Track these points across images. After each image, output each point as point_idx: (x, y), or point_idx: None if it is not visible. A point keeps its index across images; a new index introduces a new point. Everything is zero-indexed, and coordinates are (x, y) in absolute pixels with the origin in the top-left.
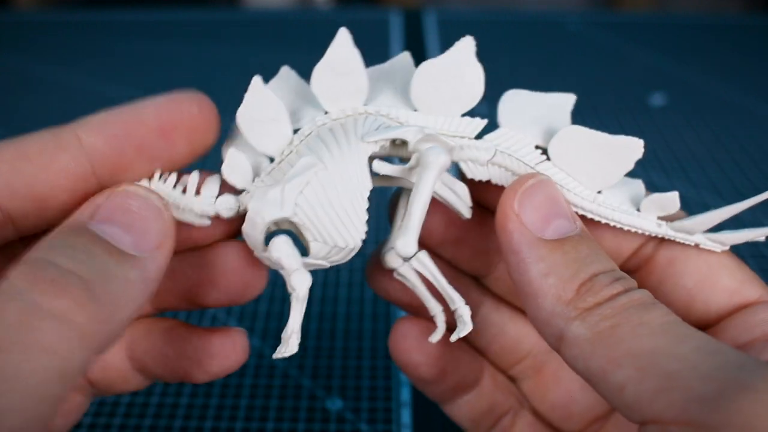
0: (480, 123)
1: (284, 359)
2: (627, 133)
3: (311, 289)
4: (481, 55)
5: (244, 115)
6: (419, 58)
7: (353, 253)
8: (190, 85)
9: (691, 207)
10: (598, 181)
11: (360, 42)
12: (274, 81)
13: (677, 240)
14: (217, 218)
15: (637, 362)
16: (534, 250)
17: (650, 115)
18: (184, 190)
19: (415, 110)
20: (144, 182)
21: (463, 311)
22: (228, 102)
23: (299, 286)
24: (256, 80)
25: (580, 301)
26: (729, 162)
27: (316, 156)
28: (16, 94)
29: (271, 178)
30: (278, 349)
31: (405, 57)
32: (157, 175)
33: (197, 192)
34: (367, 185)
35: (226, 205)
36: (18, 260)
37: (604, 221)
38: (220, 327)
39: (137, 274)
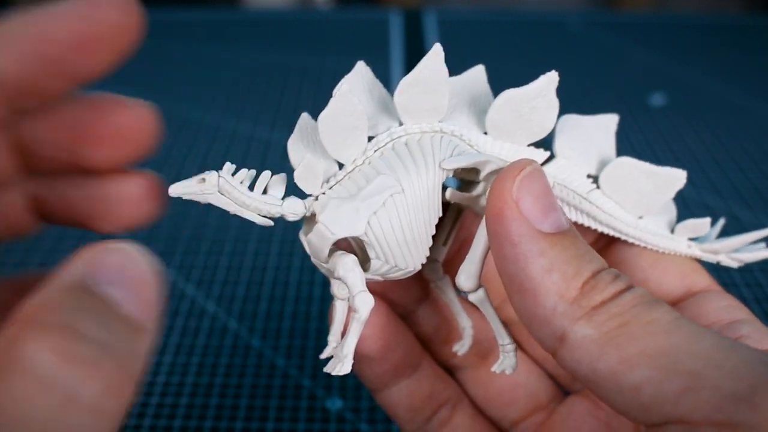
0: (543, 155)
1: (285, 359)
2: (627, 133)
3: (311, 288)
4: (482, 55)
5: (326, 120)
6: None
7: (410, 275)
8: (190, 85)
9: (691, 207)
10: (641, 207)
11: (360, 42)
12: (352, 77)
13: (704, 259)
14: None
15: (654, 362)
16: (535, 243)
17: (650, 115)
18: (251, 187)
19: (485, 133)
20: (212, 174)
21: (510, 348)
22: (228, 101)
23: (363, 308)
24: (345, 87)
25: (585, 299)
26: (729, 162)
27: (393, 175)
28: None
29: (343, 189)
30: (331, 363)
31: (479, 71)
32: (228, 167)
33: (264, 191)
34: (438, 213)
35: (293, 209)
36: (24, 312)
37: (642, 245)
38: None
39: (147, 348)
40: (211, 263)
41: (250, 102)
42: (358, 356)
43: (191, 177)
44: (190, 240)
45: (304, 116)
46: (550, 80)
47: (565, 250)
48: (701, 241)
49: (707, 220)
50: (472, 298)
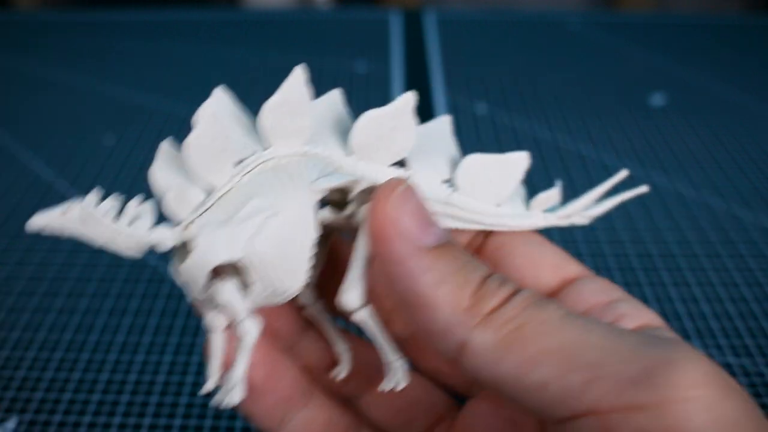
0: (405, 173)
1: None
2: (627, 133)
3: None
4: (481, 56)
5: (193, 144)
6: (419, 58)
7: (288, 299)
8: (190, 85)
9: (691, 207)
10: (497, 195)
11: (360, 42)
12: (212, 103)
13: (560, 225)
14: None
15: (553, 359)
16: (419, 259)
17: (650, 115)
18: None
19: (350, 154)
20: (74, 204)
21: (398, 365)
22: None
23: (249, 334)
24: (210, 110)
25: (478, 307)
26: (729, 162)
27: (265, 199)
28: (16, 94)
29: (213, 215)
30: (219, 395)
31: (336, 95)
32: (92, 197)
33: (132, 222)
34: (314, 234)
35: (162, 238)
36: None
37: (505, 229)
38: None
39: None
40: None
41: (250, 102)
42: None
43: (51, 208)
44: None
45: (164, 145)
46: (406, 102)
47: (450, 262)
48: (553, 210)
49: (556, 190)
50: (356, 317)
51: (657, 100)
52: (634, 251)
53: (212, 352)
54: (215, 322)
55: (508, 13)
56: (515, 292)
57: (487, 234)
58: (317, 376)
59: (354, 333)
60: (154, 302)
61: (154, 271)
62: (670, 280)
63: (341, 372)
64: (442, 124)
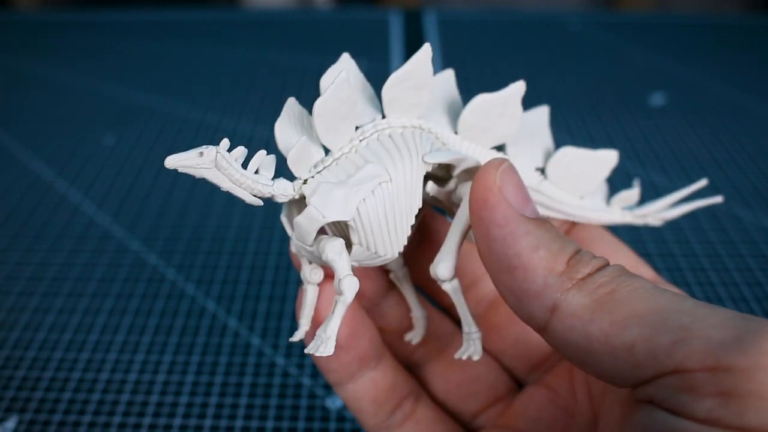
0: (503, 157)
1: (285, 357)
2: (627, 133)
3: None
4: (481, 55)
5: (323, 105)
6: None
7: (386, 263)
8: (190, 84)
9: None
10: (582, 188)
11: (360, 42)
12: (340, 67)
13: (634, 223)
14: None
15: (644, 321)
16: (521, 223)
17: (650, 114)
18: (245, 165)
19: (455, 133)
20: (210, 149)
21: (476, 336)
22: (228, 101)
23: (348, 290)
24: (344, 75)
25: (573, 271)
26: (729, 162)
27: (379, 165)
28: (16, 94)
29: (332, 174)
30: (313, 344)
31: (449, 75)
32: (225, 143)
33: (256, 171)
34: (419, 204)
35: (283, 190)
36: None
37: (585, 221)
38: None
39: None
40: (210, 262)
41: (250, 102)
42: (311, 336)
43: (189, 150)
44: (190, 240)
45: (291, 101)
46: (518, 89)
47: (547, 231)
48: (630, 208)
49: (636, 190)
50: (446, 286)
51: (657, 99)
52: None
53: (304, 304)
54: (312, 276)
55: (508, 13)
56: (606, 264)
57: (569, 227)
58: (391, 339)
59: (431, 303)
60: (153, 302)
61: (153, 270)
62: (670, 280)
63: (416, 337)
64: (541, 114)
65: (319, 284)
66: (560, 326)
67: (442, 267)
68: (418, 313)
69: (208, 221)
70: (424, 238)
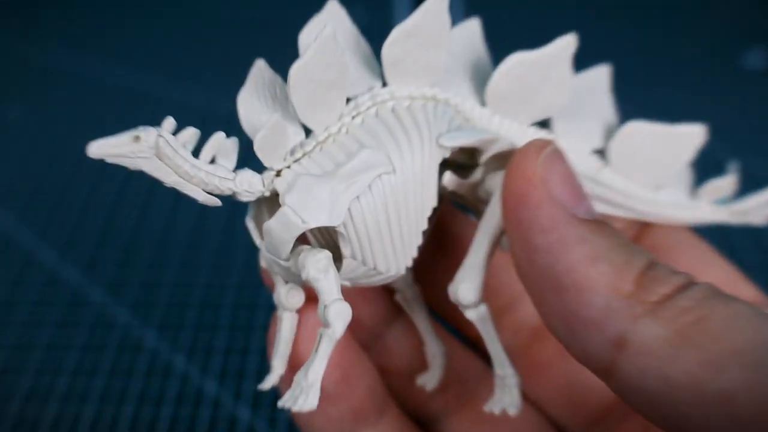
0: (549, 137)
1: (218, 384)
2: (714, 104)
3: (256, 291)
4: (515, 7)
5: (303, 71)
6: None
7: (388, 282)
8: (121, 39)
9: None
10: (657, 176)
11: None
12: (328, 20)
13: (730, 222)
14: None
15: (747, 360)
16: (572, 228)
17: (743, 79)
18: (196, 153)
19: (483, 104)
20: (149, 131)
21: (513, 381)
22: (174, 63)
23: (338, 321)
24: (329, 30)
25: (646, 292)
26: None
27: (378, 150)
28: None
29: (314, 163)
30: (290, 394)
31: (473, 27)
32: (169, 123)
33: (212, 160)
34: (433, 202)
35: (248, 187)
36: None
37: (661, 220)
38: None
39: None
40: (151, 279)
41: (207, 65)
42: (288, 383)
43: (121, 133)
44: (124, 250)
45: (260, 64)
46: (566, 45)
47: (608, 238)
48: (723, 202)
49: (731, 177)
50: (471, 314)
51: (753, 59)
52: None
53: (278, 337)
54: (289, 300)
55: None
56: (690, 283)
57: (640, 229)
58: (398, 384)
59: (450, 333)
60: (73, 333)
61: (74, 291)
62: None
63: (431, 381)
64: (599, 76)
65: (299, 310)
66: (629, 367)
67: (466, 288)
68: (434, 347)
69: (147, 225)
70: (441, 245)
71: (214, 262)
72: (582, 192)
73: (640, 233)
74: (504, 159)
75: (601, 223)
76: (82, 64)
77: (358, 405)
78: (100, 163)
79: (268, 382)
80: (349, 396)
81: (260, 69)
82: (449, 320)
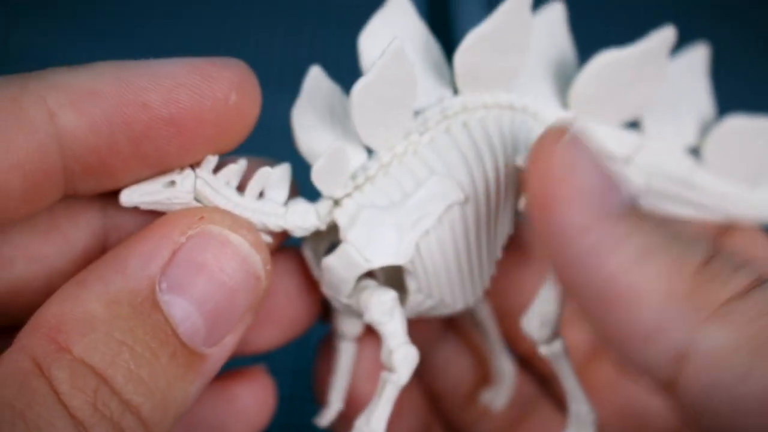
0: (637, 140)
1: None
2: None
3: None
4: None
5: (366, 92)
6: (442, 18)
7: (454, 313)
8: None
9: None
10: (755, 174)
11: None
12: (389, 13)
13: None
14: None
15: None
16: (608, 228)
17: None
18: (241, 188)
19: (564, 107)
20: (187, 174)
21: (589, 419)
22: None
23: (404, 367)
24: (398, 43)
25: (707, 293)
26: None
27: (452, 176)
28: None
29: (378, 191)
30: None
31: (556, 13)
32: (209, 162)
33: (261, 194)
34: (509, 229)
35: (301, 221)
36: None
37: (760, 222)
38: (239, 370)
39: (198, 387)
40: None
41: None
42: (345, 421)
43: (154, 179)
44: None
45: (315, 73)
46: (664, 40)
47: (654, 230)
48: None
49: None
50: (544, 350)
51: None
52: None
53: (336, 369)
54: (349, 327)
55: None
56: (762, 279)
57: (721, 232)
58: (443, 405)
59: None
60: None
61: None
62: None
63: (498, 400)
64: (694, 62)
65: (358, 339)
66: (695, 381)
67: (538, 323)
68: (504, 364)
69: None
70: (525, 256)
71: None
72: (615, 178)
73: (721, 235)
74: None
75: (641, 214)
76: (54, 42)
77: None
78: None
79: (326, 419)
80: (399, 428)
81: (315, 78)
82: (504, 335)
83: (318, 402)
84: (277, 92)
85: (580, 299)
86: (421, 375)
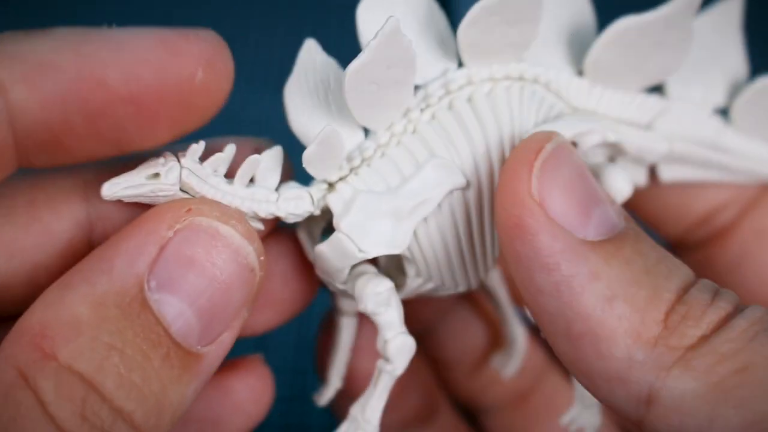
0: (660, 105)
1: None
2: None
3: None
4: None
5: (358, 74)
6: None
7: (456, 294)
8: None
9: None
10: None
11: None
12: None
13: None
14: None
15: None
16: (581, 260)
17: None
18: (229, 175)
19: (580, 73)
20: (171, 164)
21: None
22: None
23: (401, 358)
24: (394, 22)
25: (676, 336)
26: None
27: (453, 157)
28: None
29: (374, 174)
30: (345, 428)
31: None
32: (194, 150)
33: (251, 180)
34: None
35: (294, 208)
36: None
37: None
38: (235, 360)
39: (194, 388)
40: None
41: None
42: (344, 398)
43: (136, 169)
44: None
45: (309, 45)
46: (690, 3)
47: (627, 265)
48: None
49: None
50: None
51: None
52: None
53: (336, 346)
54: (349, 303)
55: None
56: (736, 312)
57: (745, 208)
58: (449, 375)
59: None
60: None
61: None
62: None
63: (509, 368)
64: (725, 13)
65: (359, 313)
66: (662, 427)
67: None
68: (515, 331)
69: None
70: None
71: None
72: (592, 199)
73: (755, 200)
74: (617, 150)
75: (618, 242)
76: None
77: (411, 413)
78: None
79: (325, 397)
80: (402, 406)
81: (309, 52)
82: (514, 301)
83: (319, 378)
84: (277, 92)
85: (546, 331)
86: (428, 346)
